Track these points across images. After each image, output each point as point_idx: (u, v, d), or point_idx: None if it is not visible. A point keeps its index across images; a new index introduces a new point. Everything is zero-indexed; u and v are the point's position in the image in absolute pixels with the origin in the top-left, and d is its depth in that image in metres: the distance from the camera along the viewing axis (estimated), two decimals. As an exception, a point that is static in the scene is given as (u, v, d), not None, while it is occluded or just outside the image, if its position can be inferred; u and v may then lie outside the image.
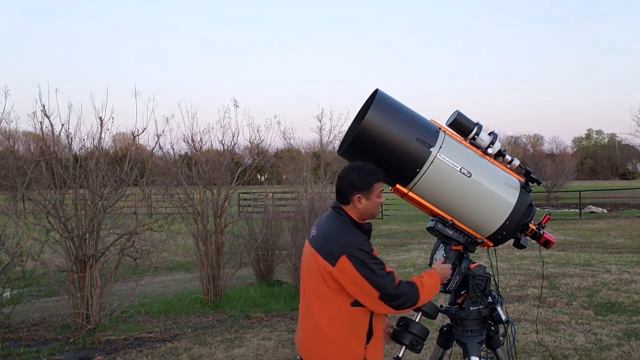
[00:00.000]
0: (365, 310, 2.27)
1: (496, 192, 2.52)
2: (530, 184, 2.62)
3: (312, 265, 2.31)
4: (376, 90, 2.46)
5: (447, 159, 2.41)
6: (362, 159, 2.46)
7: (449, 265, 2.53)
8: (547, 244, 2.70)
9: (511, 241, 2.66)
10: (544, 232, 2.68)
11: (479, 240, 2.60)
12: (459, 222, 2.55)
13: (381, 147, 2.39)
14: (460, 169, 2.42)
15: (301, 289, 2.45)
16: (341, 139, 2.74)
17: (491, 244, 2.64)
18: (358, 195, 2.32)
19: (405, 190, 2.47)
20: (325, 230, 2.33)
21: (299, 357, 2.47)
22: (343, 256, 2.18)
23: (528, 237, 2.67)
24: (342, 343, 2.27)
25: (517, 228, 2.56)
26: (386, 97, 2.46)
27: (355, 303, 2.25)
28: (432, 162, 2.40)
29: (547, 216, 2.70)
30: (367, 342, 2.30)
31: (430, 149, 2.39)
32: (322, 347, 2.30)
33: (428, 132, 2.43)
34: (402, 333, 2.42)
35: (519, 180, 2.61)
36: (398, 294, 2.22)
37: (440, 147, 2.41)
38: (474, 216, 2.53)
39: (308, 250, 2.38)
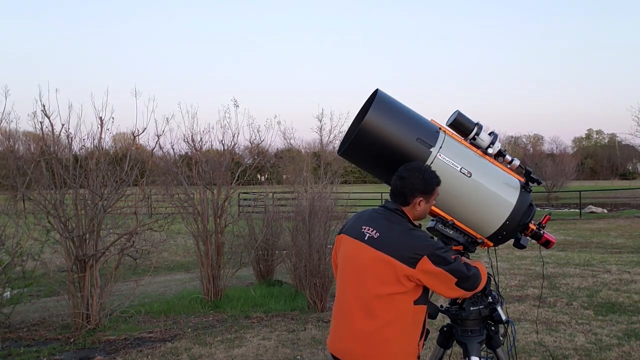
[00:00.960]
0: (424, 307, 2.35)
1: (496, 192, 2.52)
2: (530, 184, 2.61)
3: (378, 267, 2.26)
4: (376, 90, 2.46)
5: (447, 159, 2.42)
6: (362, 159, 2.46)
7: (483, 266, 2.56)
8: (547, 244, 2.70)
9: (511, 241, 2.66)
10: (544, 232, 2.68)
11: (479, 241, 2.60)
12: (459, 222, 2.55)
13: (381, 147, 2.38)
14: (461, 169, 2.43)
15: (349, 292, 2.36)
16: (341, 138, 2.74)
17: (491, 244, 2.64)
18: (420, 199, 2.33)
19: None
20: (393, 234, 2.29)
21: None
22: (424, 257, 2.21)
23: (528, 237, 2.67)
24: (403, 341, 2.29)
25: (517, 228, 2.56)
26: (386, 97, 2.46)
27: (418, 301, 2.30)
28: (432, 162, 2.40)
29: (547, 216, 2.70)
30: (420, 338, 2.37)
31: (431, 149, 2.40)
32: (380, 348, 2.26)
33: (428, 132, 2.43)
34: None
35: (519, 180, 2.61)
36: (471, 275, 2.31)
37: (441, 147, 2.41)
38: (474, 216, 2.53)
39: (369, 252, 2.29)
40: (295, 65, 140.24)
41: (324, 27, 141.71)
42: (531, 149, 77.35)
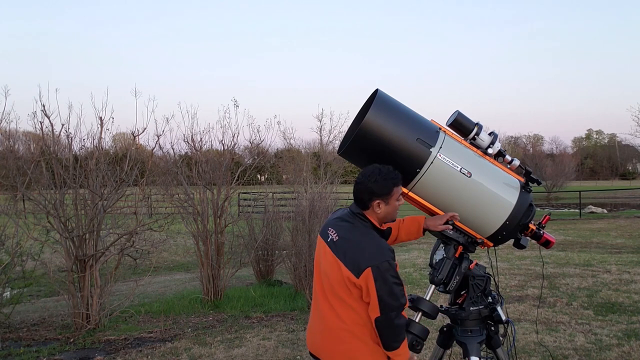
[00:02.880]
0: None
1: (496, 192, 2.51)
2: (530, 184, 2.61)
3: (333, 270, 2.28)
4: (376, 91, 2.46)
5: (447, 159, 2.41)
6: (362, 159, 2.45)
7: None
8: (547, 244, 2.70)
9: (511, 241, 2.66)
10: (544, 232, 2.68)
11: (479, 241, 2.60)
12: (459, 222, 2.55)
13: (381, 147, 2.38)
14: (461, 169, 2.42)
15: (318, 289, 2.40)
16: (341, 138, 2.74)
17: (491, 244, 2.64)
18: (377, 201, 2.31)
19: (405, 190, 2.47)
20: (351, 239, 2.29)
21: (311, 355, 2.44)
22: (369, 269, 2.17)
23: (528, 237, 2.67)
24: (366, 340, 2.27)
25: (517, 228, 2.55)
26: (386, 97, 2.46)
27: None
28: (432, 162, 2.39)
29: (547, 216, 2.70)
30: None
31: (431, 149, 2.39)
32: (347, 345, 2.27)
33: (428, 132, 2.43)
34: None
35: (519, 181, 2.61)
36: (395, 325, 2.21)
37: (441, 147, 2.41)
38: (474, 216, 2.53)
39: (329, 256, 2.32)
40: (295, 65, 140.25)
41: (324, 26, 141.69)
42: (531, 149, 77.33)
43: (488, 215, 2.52)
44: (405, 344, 2.28)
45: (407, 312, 2.31)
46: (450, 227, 2.53)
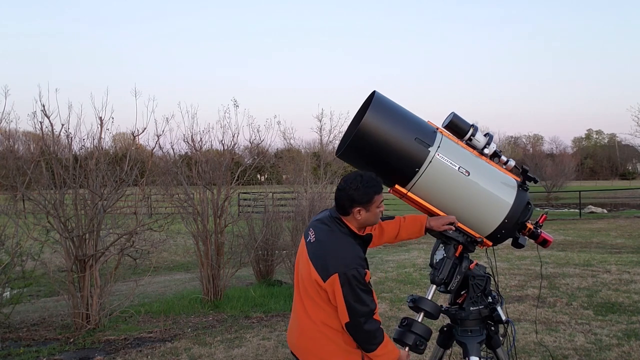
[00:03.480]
0: None
1: (494, 191, 2.53)
2: (527, 182, 2.63)
3: (306, 271, 2.33)
4: (373, 92, 2.47)
5: (446, 158, 2.42)
6: (360, 161, 2.46)
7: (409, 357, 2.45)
8: (544, 243, 2.71)
9: (510, 241, 2.68)
10: (541, 232, 2.69)
11: (479, 240, 2.60)
12: (459, 222, 2.56)
13: (380, 147, 2.39)
14: (459, 167, 2.44)
15: (295, 287, 2.45)
16: (341, 139, 2.76)
17: (490, 244, 2.64)
18: (358, 209, 2.33)
19: (404, 190, 2.48)
20: (324, 242, 2.32)
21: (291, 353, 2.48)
22: (335, 274, 2.20)
23: (526, 237, 2.68)
24: (338, 342, 2.30)
25: (515, 227, 2.57)
26: (384, 99, 2.47)
27: None
28: (430, 161, 2.40)
29: (544, 215, 2.72)
30: None
31: (429, 149, 2.40)
32: (318, 345, 2.31)
33: (425, 133, 2.44)
34: (405, 333, 2.43)
35: (516, 180, 2.62)
36: (365, 330, 2.23)
37: (439, 147, 2.42)
38: (473, 215, 2.54)
39: (304, 257, 2.37)
40: (295, 65, 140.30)
41: (324, 26, 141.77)
42: (531, 149, 77.40)
43: (487, 214, 2.53)
44: (385, 345, 2.28)
45: (409, 313, 2.32)
46: (453, 227, 2.54)
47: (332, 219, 2.40)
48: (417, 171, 2.41)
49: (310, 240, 2.38)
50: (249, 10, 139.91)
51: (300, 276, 2.38)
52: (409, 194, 2.50)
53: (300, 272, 2.39)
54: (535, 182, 2.66)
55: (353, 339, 2.28)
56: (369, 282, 2.28)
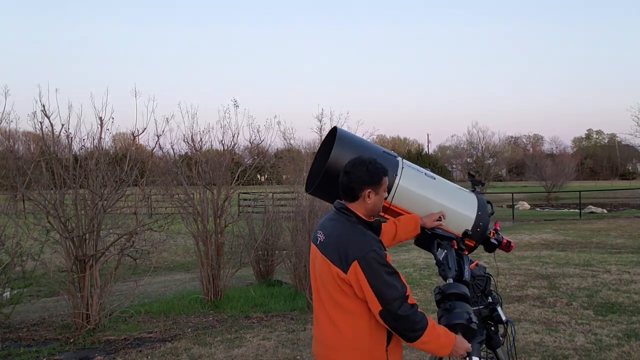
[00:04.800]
0: None
1: (459, 190, 2.76)
2: (476, 187, 2.88)
3: (324, 272, 2.25)
4: (335, 128, 2.63)
5: (413, 166, 2.66)
6: (332, 194, 2.51)
7: (469, 346, 2.26)
8: (508, 245, 2.83)
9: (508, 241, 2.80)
10: (502, 236, 2.84)
11: (469, 232, 2.70)
12: (445, 227, 2.66)
13: None
14: (425, 173, 2.66)
15: (315, 295, 2.38)
16: (307, 177, 2.90)
17: (473, 242, 2.73)
18: (368, 190, 2.27)
19: (387, 203, 2.56)
20: (335, 235, 2.25)
21: None
22: (355, 262, 2.11)
23: (494, 240, 2.79)
24: (363, 349, 2.20)
25: (489, 220, 2.72)
26: (346, 133, 2.67)
27: None
28: (402, 167, 2.58)
29: (497, 222, 2.94)
30: (388, 344, 2.23)
31: (397, 158, 2.63)
32: (343, 355, 2.23)
33: (386, 158, 2.60)
34: (452, 313, 2.30)
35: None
36: (401, 316, 2.08)
37: (403, 160, 2.65)
38: (453, 213, 2.66)
39: (319, 258, 2.30)
40: (296, 65, 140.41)
41: (324, 27, 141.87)
42: (531, 149, 77.56)
43: (463, 210, 2.68)
44: (431, 330, 2.12)
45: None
46: (442, 222, 2.63)
47: (337, 211, 2.34)
48: (395, 176, 2.55)
49: (320, 240, 2.32)
50: (249, 12, 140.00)
51: (320, 280, 2.29)
52: (392, 206, 2.59)
53: (319, 275, 2.30)
54: (482, 184, 2.85)
55: (392, 330, 2.12)
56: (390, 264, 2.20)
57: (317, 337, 2.38)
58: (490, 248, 2.79)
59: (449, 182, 2.81)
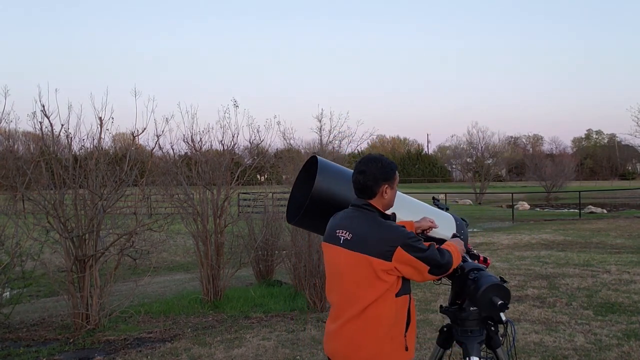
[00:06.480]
0: (406, 298, 2.36)
1: (435, 210, 2.86)
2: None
3: (357, 268, 2.29)
4: (314, 157, 2.66)
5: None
6: (315, 224, 2.61)
7: (458, 239, 2.65)
8: (485, 261, 2.85)
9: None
10: (479, 253, 2.90)
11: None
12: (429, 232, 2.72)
13: (331, 206, 2.56)
14: (402, 193, 2.74)
15: (334, 295, 2.41)
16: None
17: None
18: (385, 186, 2.37)
19: None
20: (365, 231, 2.31)
21: None
22: (398, 248, 2.23)
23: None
24: (390, 336, 2.30)
25: (466, 230, 2.86)
26: (325, 162, 2.69)
27: (400, 293, 2.31)
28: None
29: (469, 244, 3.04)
30: (407, 329, 2.36)
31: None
32: (371, 348, 2.29)
33: None
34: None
35: None
36: (444, 263, 2.36)
37: None
38: (435, 233, 2.72)
39: (348, 257, 2.32)
40: (295, 64, 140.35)
41: (324, 26, 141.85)
42: (531, 149, 77.56)
43: (444, 220, 2.79)
44: (452, 253, 2.42)
45: None
46: (437, 225, 2.68)
47: (358, 208, 2.39)
48: None
49: (345, 239, 2.34)
50: (249, 12, 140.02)
51: (348, 279, 2.32)
52: None
53: (348, 275, 2.32)
54: (447, 209, 2.96)
55: (438, 275, 2.38)
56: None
57: (335, 334, 2.39)
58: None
59: (426, 204, 2.89)
